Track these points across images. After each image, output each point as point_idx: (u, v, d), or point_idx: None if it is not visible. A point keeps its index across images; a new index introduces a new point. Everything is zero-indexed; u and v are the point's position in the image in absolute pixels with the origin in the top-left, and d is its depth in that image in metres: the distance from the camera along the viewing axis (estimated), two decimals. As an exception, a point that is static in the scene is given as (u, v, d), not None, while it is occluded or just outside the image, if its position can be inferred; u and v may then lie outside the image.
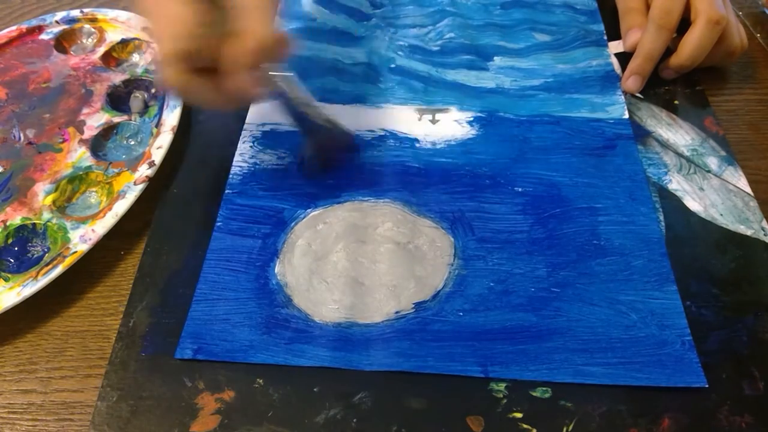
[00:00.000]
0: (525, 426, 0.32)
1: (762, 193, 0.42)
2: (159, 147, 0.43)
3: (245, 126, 0.46)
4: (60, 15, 0.53)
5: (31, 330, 0.37)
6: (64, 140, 0.45)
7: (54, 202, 0.41)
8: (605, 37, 0.52)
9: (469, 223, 0.40)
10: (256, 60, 0.34)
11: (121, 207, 0.40)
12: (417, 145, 0.45)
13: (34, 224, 0.40)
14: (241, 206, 0.41)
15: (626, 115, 0.46)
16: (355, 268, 0.38)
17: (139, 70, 0.50)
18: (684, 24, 0.46)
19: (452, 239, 0.39)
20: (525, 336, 0.35)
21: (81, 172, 0.43)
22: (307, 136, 0.43)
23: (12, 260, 0.39)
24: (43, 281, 0.36)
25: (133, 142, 0.46)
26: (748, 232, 0.39)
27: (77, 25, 0.53)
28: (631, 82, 0.47)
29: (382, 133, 0.45)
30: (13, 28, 0.53)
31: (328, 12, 0.55)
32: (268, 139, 0.45)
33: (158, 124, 0.45)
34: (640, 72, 0.47)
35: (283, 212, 0.41)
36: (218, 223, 0.40)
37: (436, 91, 0.48)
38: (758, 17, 0.53)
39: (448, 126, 0.46)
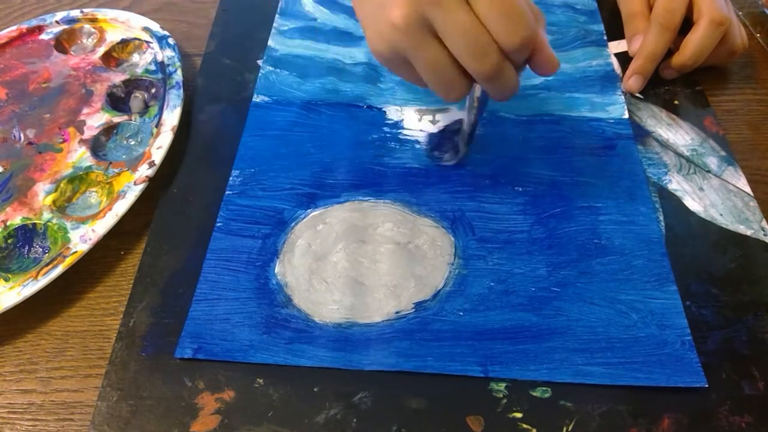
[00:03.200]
0: (525, 426, 0.32)
1: (762, 193, 0.42)
2: (159, 147, 0.43)
3: (245, 128, 0.46)
4: (60, 15, 0.53)
5: (31, 330, 0.37)
6: (64, 140, 0.45)
7: (54, 202, 0.41)
8: (605, 37, 0.52)
9: (470, 222, 0.40)
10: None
11: (121, 207, 0.40)
12: (417, 145, 0.45)
13: (34, 224, 0.40)
14: (241, 207, 0.41)
15: (626, 115, 0.46)
16: (355, 268, 0.38)
17: (139, 70, 0.50)
18: (686, 24, 0.46)
19: (452, 239, 0.39)
20: (525, 336, 0.35)
21: (81, 172, 0.43)
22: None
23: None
24: (43, 281, 0.36)
25: (133, 142, 0.46)
26: (748, 232, 0.39)
27: (77, 25, 0.53)
28: (633, 81, 0.47)
29: (383, 134, 0.45)
30: (13, 28, 0.53)
31: (329, 12, 0.55)
32: (267, 140, 0.45)
33: (158, 124, 0.45)
34: (642, 72, 0.47)
35: (283, 212, 0.41)
36: (218, 224, 0.40)
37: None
38: (758, 17, 0.53)
39: (448, 125, 0.46)
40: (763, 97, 0.48)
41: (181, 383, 0.34)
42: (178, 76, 0.48)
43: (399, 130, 0.46)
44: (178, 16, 0.57)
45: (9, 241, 0.40)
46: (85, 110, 0.47)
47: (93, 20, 0.53)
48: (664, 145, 0.45)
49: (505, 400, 0.33)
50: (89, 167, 0.43)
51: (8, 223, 0.40)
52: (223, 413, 0.33)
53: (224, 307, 0.36)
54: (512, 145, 0.44)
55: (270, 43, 0.52)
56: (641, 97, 0.48)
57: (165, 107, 0.45)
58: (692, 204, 0.41)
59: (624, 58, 0.50)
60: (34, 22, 0.53)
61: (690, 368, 0.33)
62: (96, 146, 0.45)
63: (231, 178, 0.43)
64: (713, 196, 0.41)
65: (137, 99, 0.48)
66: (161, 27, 0.52)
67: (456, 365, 0.34)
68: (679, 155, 0.44)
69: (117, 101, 0.48)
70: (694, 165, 0.43)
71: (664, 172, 0.43)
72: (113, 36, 0.52)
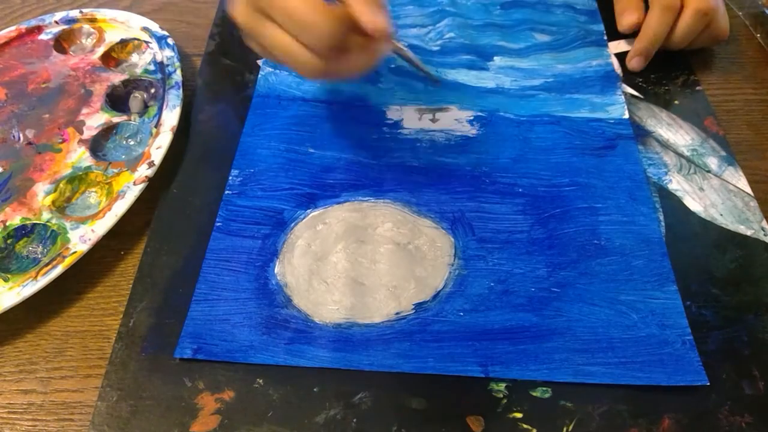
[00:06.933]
0: (525, 426, 0.32)
1: (762, 193, 0.42)
2: (158, 147, 0.43)
3: (245, 127, 0.46)
4: (59, 15, 0.53)
5: (31, 330, 0.37)
6: (64, 140, 0.45)
7: (53, 202, 0.41)
8: (605, 37, 0.52)
9: (470, 223, 0.40)
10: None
11: (121, 207, 0.40)
12: (417, 144, 0.45)
13: (33, 224, 0.40)
14: (240, 207, 0.41)
15: (626, 115, 0.46)
16: (355, 269, 0.38)
17: (138, 71, 0.50)
18: None
19: (452, 239, 0.39)
20: (525, 336, 0.35)
21: (80, 173, 0.43)
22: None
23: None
24: (43, 281, 0.36)
25: (132, 142, 0.46)
26: (748, 232, 0.39)
27: (76, 26, 0.53)
28: (636, 62, 0.49)
29: (382, 134, 0.45)
30: (13, 28, 0.53)
31: (328, 12, 0.55)
32: (267, 140, 0.45)
33: (158, 124, 0.45)
34: (645, 53, 0.48)
35: (283, 213, 0.41)
36: (218, 224, 0.40)
37: (436, 91, 0.48)
38: (758, 17, 0.53)
39: (449, 125, 0.46)
40: (763, 97, 0.48)
41: (180, 383, 0.34)
42: (178, 76, 0.48)
43: (399, 130, 0.46)
44: (178, 16, 0.57)
45: (8, 241, 0.40)
46: (85, 110, 0.47)
47: (92, 20, 0.53)
48: (665, 145, 0.45)
49: (505, 400, 0.33)
50: (88, 167, 0.43)
51: (8, 224, 0.40)
52: (223, 413, 0.33)
53: (224, 308, 0.36)
54: (512, 145, 0.44)
55: (270, 43, 0.52)
56: (641, 96, 0.48)
57: (164, 107, 0.45)
58: (692, 204, 0.41)
59: (624, 58, 0.50)
60: (34, 23, 0.53)
61: (691, 367, 0.33)
62: (95, 146, 0.45)
63: (230, 178, 0.43)
64: (713, 196, 0.41)
65: (136, 99, 0.48)
66: (160, 27, 0.52)
67: (456, 366, 0.34)
68: (680, 155, 0.44)
69: (116, 101, 0.48)
70: (695, 165, 0.43)
71: (665, 172, 0.43)
72: (112, 36, 0.52)
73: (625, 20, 0.49)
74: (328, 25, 0.32)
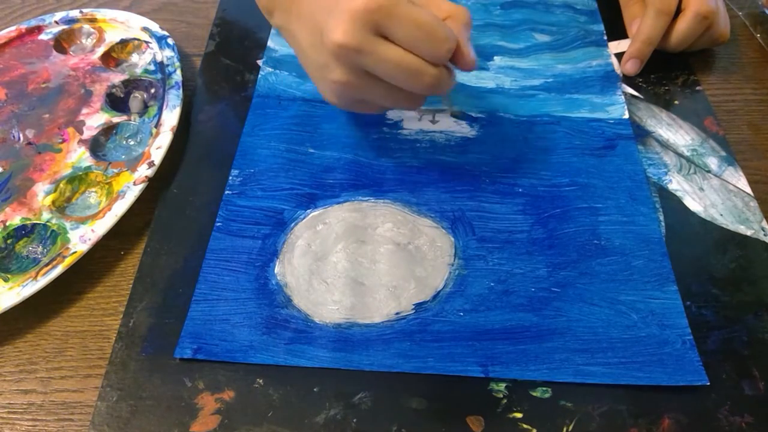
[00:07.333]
0: (525, 426, 0.32)
1: (762, 193, 0.42)
2: (158, 147, 0.43)
3: (245, 127, 0.46)
4: (59, 15, 0.53)
5: (31, 330, 0.37)
6: (64, 140, 0.45)
7: (53, 202, 0.41)
8: (605, 37, 0.52)
9: (470, 222, 0.40)
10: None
11: (121, 207, 0.40)
12: (417, 145, 0.45)
13: (33, 224, 0.40)
14: (240, 207, 0.41)
15: (626, 115, 0.46)
16: (355, 269, 0.38)
17: (138, 71, 0.50)
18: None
19: (452, 239, 0.39)
20: (525, 336, 0.35)
21: (80, 173, 0.43)
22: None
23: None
24: (43, 281, 0.36)
25: (132, 143, 0.46)
26: (748, 232, 0.39)
27: (76, 26, 0.53)
28: (630, 65, 0.48)
29: (382, 134, 0.45)
30: (13, 28, 0.53)
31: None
32: (267, 140, 0.45)
33: (157, 125, 0.45)
34: (639, 56, 0.48)
35: (283, 213, 0.41)
36: (218, 224, 0.40)
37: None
38: (758, 17, 0.53)
39: (448, 126, 0.46)
40: (763, 97, 0.48)
41: (180, 383, 0.34)
42: (178, 76, 0.48)
43: (399, 130, 0.46)
44: (178, 16, 0.57)
45: (8, 241, 0.40)
46: (85, 110, 0.47)
47: (92, 20, 0.53)
48: (665, 145, 0.45)
49: (505, 400, 0.33)
50: (88, 167, 0.43)
51: (8, 224, 0.40)
52: (223, 413, 0.33)
53: (224, 308, 0.36)
54: (512, 145, 0.44)
55: (270, 43, 0.52)
56: (641, 97, 0.48)
57: (164, 107, 0.45)
58: (692, 204, 0.41)
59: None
60: (34, 23, 0.53)
61: (691, 367, 0.33)
62: (95, 146, 0.45)
63: (230, 178, 0.43)
64: (713, 196, 0.41)
65: (136, 99, 0.48)
66: (160, 27, 0.52)
67: (456, 366, 0.34)
68: (680, 155, 0.44)
69: (116, 101, 0.48)
70: (695, 165, 0.43)
71: (665, 172, 0.43)
72: (112, 36, 0.52)
73: (633, 29, 0.49)
74: (451, 32, 0.34)
